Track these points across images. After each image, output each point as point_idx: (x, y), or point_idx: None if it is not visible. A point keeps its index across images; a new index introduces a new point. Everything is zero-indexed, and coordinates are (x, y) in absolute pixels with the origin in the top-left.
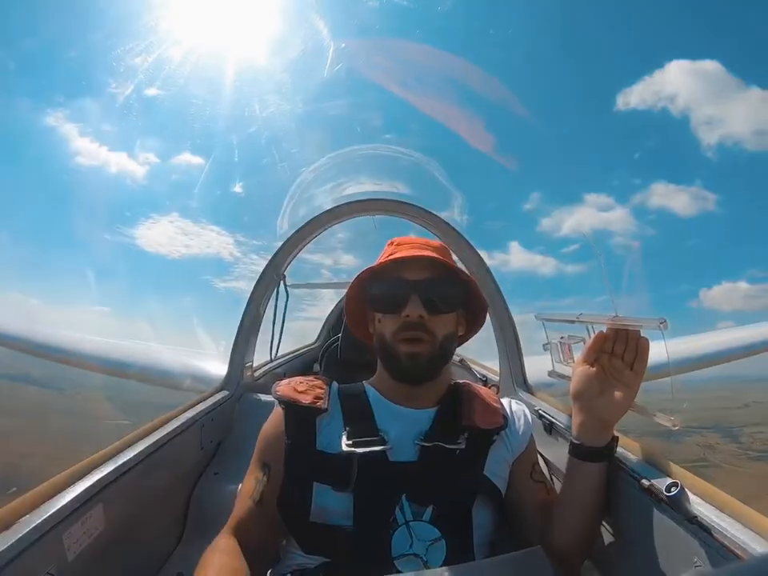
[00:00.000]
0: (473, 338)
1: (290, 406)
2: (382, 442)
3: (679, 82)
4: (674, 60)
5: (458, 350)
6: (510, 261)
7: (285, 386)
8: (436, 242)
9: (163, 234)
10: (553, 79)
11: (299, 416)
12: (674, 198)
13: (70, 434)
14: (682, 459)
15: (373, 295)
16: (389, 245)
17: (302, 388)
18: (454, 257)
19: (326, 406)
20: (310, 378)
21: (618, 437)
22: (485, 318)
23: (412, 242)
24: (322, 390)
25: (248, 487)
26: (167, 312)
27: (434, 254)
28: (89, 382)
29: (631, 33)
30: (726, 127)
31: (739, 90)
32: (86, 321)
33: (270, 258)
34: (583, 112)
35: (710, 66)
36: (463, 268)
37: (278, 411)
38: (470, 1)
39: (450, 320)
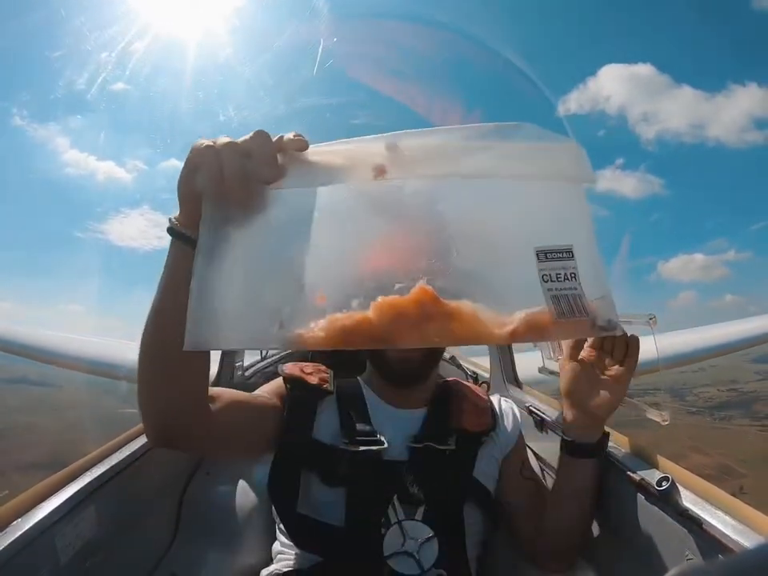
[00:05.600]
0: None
1: (297, 385)
2: (379, 441)
3: (612, 85)
4: (605, 65)
5: (449, 348)
6: None
7: (292, 366)
8: None
9: (134, 228)
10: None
11: (304, 396)
12: (622, 182)
13: (91, 422)
14: (628, 418)
15: None
16: None
17: (309, 370)
18: None
19: (332, 389)
20: (314, 364)
21: (609, 432)
22: None
23: None
24: (327, 375)
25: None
26: (141, 308)
27: None
28: (81, 377)
29: (562, 43)
30: (663, 122)
31: (671, 89)
32: (59, 320)
33: None
34: (528, 119)
35: (642, 68)
36: None
37: (281, 384)
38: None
39: None
